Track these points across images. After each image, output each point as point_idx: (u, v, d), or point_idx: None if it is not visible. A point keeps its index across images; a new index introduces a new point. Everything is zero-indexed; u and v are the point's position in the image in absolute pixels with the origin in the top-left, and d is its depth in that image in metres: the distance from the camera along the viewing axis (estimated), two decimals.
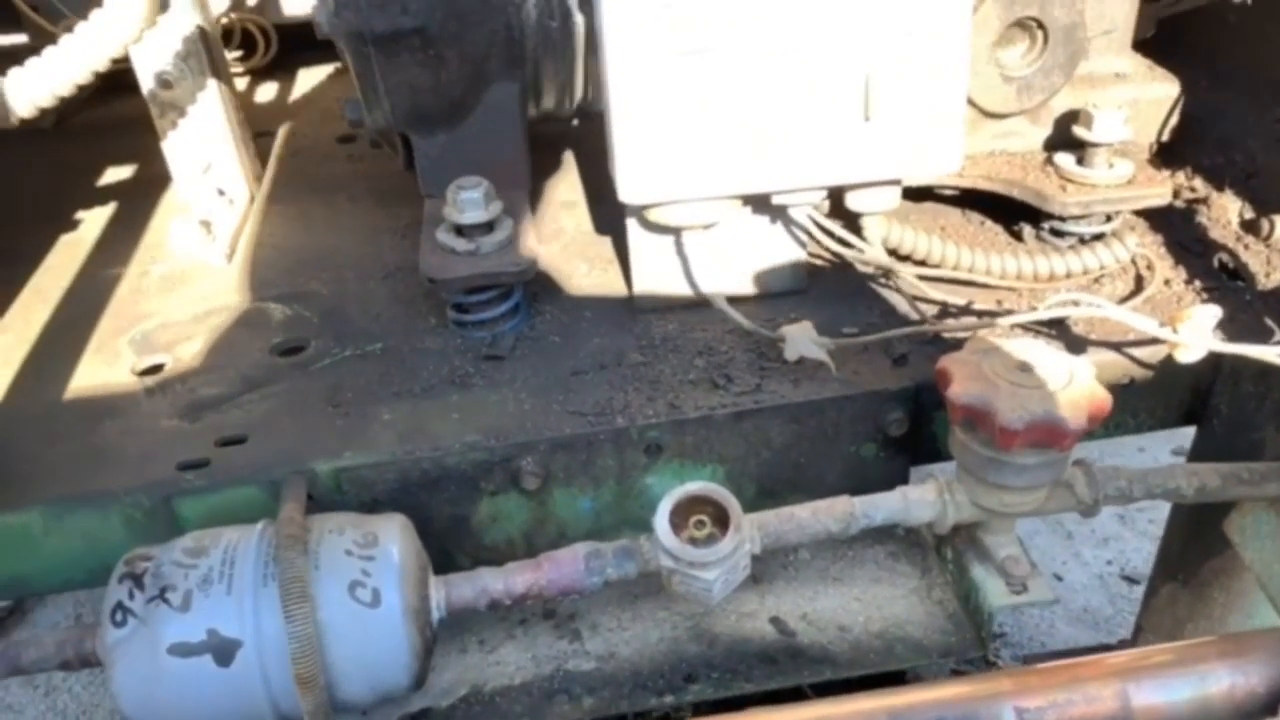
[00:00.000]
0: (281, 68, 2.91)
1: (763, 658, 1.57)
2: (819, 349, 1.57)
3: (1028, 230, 1.84)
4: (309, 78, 2.88)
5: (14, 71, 1.56)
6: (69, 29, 1.68)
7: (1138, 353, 1.61)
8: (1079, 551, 3.10)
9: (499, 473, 1.50)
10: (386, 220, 2.07)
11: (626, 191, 1.57)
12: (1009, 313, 1.65)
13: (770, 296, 1.76)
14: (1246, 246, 1.75)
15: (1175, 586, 1.99)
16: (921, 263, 1.75)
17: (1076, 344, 1.62)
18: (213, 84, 2.03)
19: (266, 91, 2.85)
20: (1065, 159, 1.78)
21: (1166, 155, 1.90)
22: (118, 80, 2.06)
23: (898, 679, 1.85)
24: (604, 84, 1.52)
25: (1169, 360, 1.56)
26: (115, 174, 2.40)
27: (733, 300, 1.67)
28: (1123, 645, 2.44)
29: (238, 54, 2.87)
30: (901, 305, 1.73)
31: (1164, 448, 3.16)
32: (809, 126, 1.53)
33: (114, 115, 2.57)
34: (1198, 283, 1.73)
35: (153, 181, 2.27)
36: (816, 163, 1.57)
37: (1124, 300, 1.70)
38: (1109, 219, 1.77)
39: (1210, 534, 1.72)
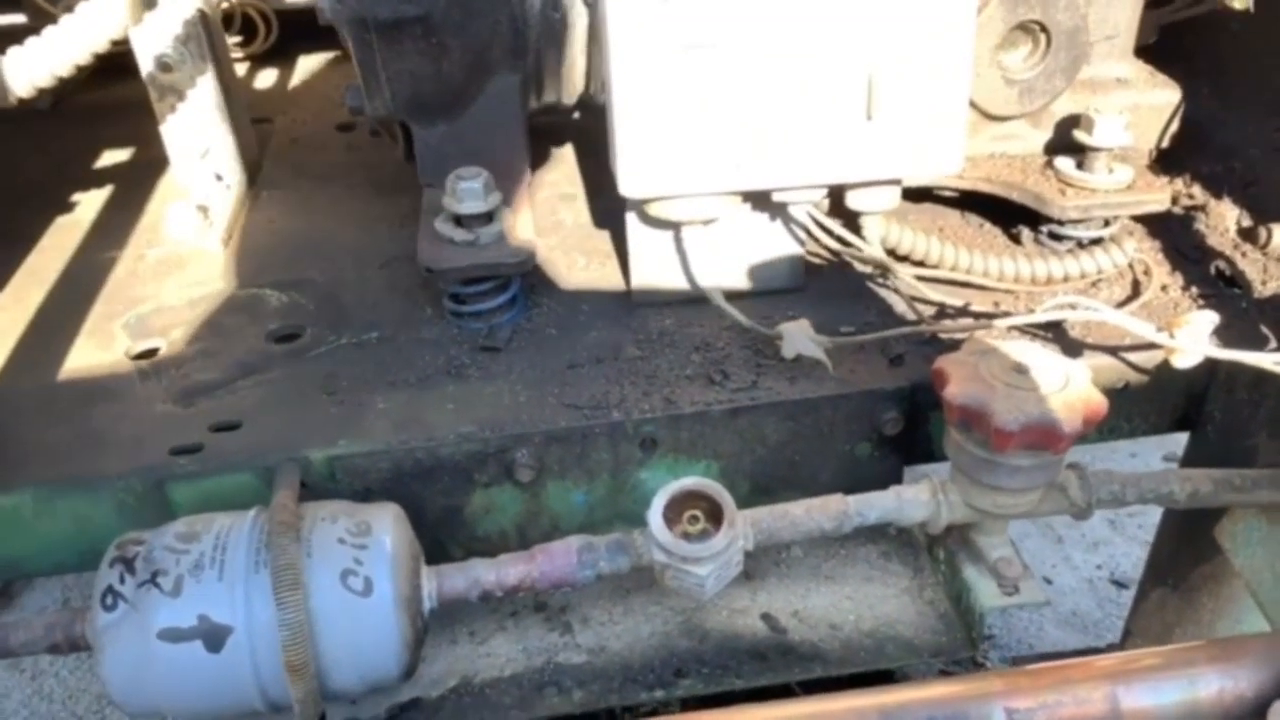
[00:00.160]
0: (282, 54, 2.90)
1: (753, 654, 1.58)
2: (816, 347, 1.57)
3: (1026, 233, 1.85)
4: (309, 64, 2.88)
5: (13, 51, 1.55)
6: (69, 9, 1.68)
7: (1134, 357, 1.61)
8: (1069, 555, 3.11)
9: (493, 464, 1.50)
10: (384, 209, 2.07)
11: (627, 185, 1.57)
12: (1006, 315, 1.65)
13: (768, 293, 1.76)
14: (1244, 254, 1.75)
15: (1165, 591, 2.00)
16: (920, 263, 1.76)
17: (1073, 347, 1.62)
18: (212, 69, 2.03)
19: (266, 77, 2.84)
20: (1065, 163, 1.78)
21: (1166, 161, 1.91)
22: (116, 63, 2.05)
23: (887, 678, 1.86)
24: (606, 77, 1.52)
25: (1164, 365, 1.57)
26: (112, 157, 2.39)
27: (730, 296, 1.67)
28: (1111, 649, 2.45)
29: (238, 39, 2.87)
30: (899, 305, 1.73)
31: (1155, 454, 3.18)
32: (811, 124, 1.53)
33: (112, 98, 2.56)
34: (1194, 289, 1.73)
35: (150, 165, 2.26)
36: (818, 161, 1.57)
37: (1121, 305, 1.70)
38: (1107, 224, 1.78)
39: (1201, 540, 1.73)
